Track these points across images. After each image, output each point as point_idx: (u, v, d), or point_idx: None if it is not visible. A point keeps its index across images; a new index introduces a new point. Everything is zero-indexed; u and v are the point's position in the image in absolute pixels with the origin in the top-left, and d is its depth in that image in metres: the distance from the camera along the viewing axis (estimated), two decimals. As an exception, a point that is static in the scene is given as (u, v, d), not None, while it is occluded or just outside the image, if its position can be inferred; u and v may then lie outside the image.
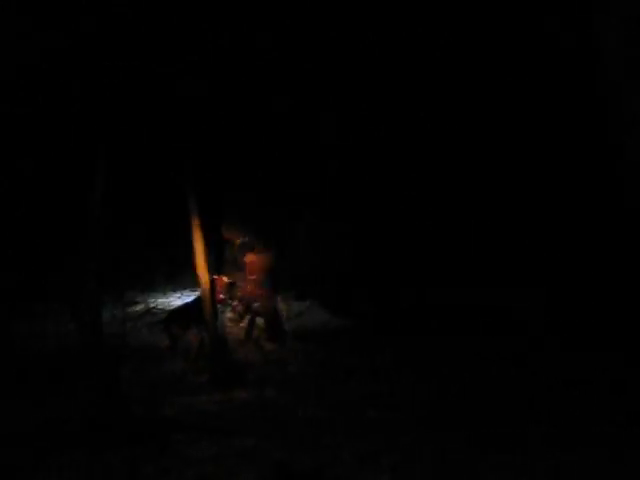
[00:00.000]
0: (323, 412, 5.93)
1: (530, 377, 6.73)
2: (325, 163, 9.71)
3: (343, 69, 8.56)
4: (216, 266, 9.49)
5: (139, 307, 10.23)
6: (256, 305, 9.52)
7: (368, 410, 5.90)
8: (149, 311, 9.86)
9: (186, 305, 8.36)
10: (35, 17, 6.63)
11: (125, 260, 9.72)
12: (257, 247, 9.18)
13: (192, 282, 9.86)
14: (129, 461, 4.77)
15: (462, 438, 5.09)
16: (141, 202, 9.40)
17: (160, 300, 10.42)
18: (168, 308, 9.77)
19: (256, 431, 5.40)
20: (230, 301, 9.53)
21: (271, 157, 9.17)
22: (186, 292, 10.46)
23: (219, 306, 8.52)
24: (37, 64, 6.97)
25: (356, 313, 9.43)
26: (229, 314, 9.58)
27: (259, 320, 9.35)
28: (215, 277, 9.05)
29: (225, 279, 9.28)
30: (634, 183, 6.09)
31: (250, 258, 9.03)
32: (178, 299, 10.33)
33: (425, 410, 5.88)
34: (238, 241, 9.30)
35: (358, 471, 4.63)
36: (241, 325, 9.19)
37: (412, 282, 9.50)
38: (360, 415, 5.82)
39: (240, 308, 9.47)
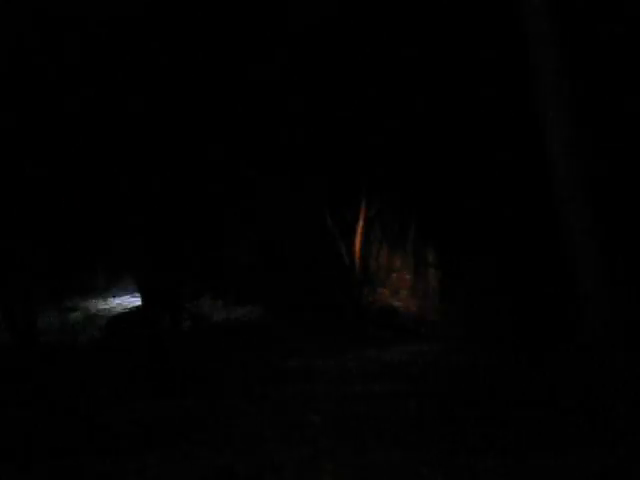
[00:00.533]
0: (265, 416, 5.98)
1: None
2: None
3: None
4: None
5: (78, 313, 10.05)
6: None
7: (309, 414, 5.97)
8: (88, 317, 9.71)
9: (129, 311, 8.24)
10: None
11: (64, 265, 9.52)
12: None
13: (133, 287, 9.83)
14: (67, 471, 4.71)
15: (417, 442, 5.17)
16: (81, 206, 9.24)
17: (100, 307, 10.30)
18: (108, 314, 9.64)
19: (198, 438, 5.41)
20: None
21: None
22: (126, 297, 10.36)
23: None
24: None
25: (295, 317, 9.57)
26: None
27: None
28: None
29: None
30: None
31: None
32: (118, 305, 10.21)
33: (363, 414, 5.99)
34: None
35: (298, 477, 4.71)
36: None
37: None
38: (302, 419, 5.88)
39: None
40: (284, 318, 9.87)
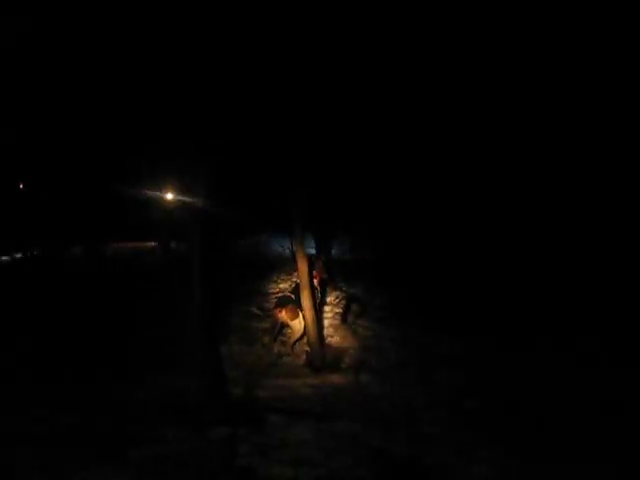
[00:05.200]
0: (420, 400, 5.86)
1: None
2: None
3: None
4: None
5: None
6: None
7: (465, 400, 5.78)
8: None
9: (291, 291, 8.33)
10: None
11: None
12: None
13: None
14: (227, 440, 4.89)
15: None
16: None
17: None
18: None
19: (351, 416, 5.40)
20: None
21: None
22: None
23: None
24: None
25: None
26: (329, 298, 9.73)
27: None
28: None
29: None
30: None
31: None
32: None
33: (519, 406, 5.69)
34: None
35: (455, 461, 4.56)
36: (337, 310, 9.26)
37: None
38: (457, 405, 5.71)
39: None
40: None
